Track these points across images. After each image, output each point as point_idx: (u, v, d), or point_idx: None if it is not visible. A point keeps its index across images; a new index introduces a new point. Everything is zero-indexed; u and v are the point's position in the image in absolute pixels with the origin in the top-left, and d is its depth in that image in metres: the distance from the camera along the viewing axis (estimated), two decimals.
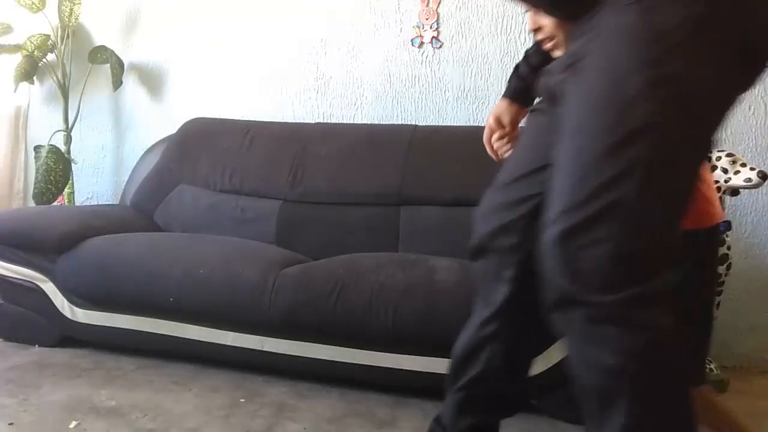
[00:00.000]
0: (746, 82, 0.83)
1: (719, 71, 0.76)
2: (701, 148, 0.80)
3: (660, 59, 0.74)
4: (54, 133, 2.56)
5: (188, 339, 1.77)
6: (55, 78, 2.58)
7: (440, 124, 2.34)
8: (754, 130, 2.13)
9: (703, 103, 0.77)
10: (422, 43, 2.38)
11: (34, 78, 2.62)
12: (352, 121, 2.41)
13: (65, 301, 1.89)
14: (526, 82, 1.18)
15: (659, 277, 0.74)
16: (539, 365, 1.54)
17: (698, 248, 1.09)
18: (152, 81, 2.65)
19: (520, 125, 1.23)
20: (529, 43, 2.38)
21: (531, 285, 0.86)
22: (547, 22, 1.01)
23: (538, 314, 0.85)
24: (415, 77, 2.38)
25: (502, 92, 2.43)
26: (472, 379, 1.04)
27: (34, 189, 2.47)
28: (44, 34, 2.56)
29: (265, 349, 1.71)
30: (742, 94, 0.84)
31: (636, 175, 0.73)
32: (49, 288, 1.91)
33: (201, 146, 2.34)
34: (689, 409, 0.78)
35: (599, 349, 0.76)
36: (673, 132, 0.74)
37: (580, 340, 0.79)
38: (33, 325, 1.95)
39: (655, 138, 0.73)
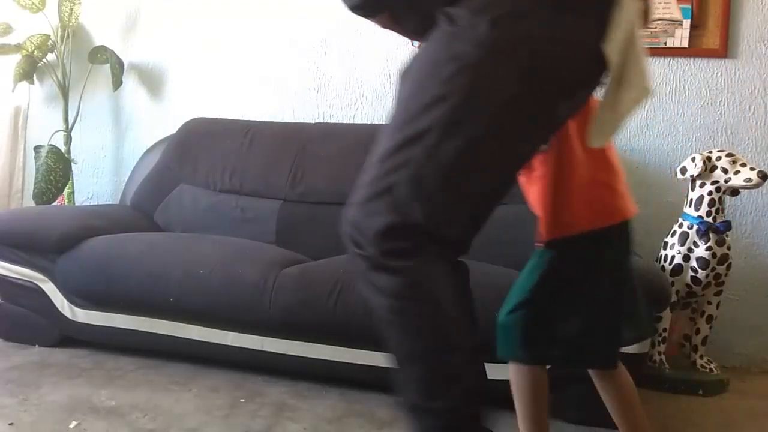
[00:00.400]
0: (569, 102, 0.95)
1: (514, 93, 0.88)
2: (489, 157, 0.91)
3: (451, 77, 0.88)
4: (54, 133, 2.56)
5: (188, 339, 1.77)
6: (55, 78, 2.58)
7: None
8: (754, 130, 2.13)
9: (485, 117, 0.88)
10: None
11: (34, 78, 2.62)
12: (352, 121, 2.41)
13: (65, 301, 1.89)
14: None
15: (423, 244, 0.91)
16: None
17: (613, 243, 1.14)
18: (152, 81, 2.65)
19: None
20: None
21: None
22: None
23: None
24: None
25: None
26: None
27: (34, 189, 2.47)
28: (44, 34, 2.56)
29: (265, 349, 1.71)
30: (570, 110, 0.97)
31: (410, 168, 0.90)
32: (49, 288, 1.91)
33: (201, 146, 2.34)
34: (458, 337, 0.95)
35: (372, 293, 0.93)
36: (450, 139, 0.88)
37: (365, 285, 0.94)
38: (33, 325, 1.95)
39: (435, 140, 0.88)
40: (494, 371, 1.56)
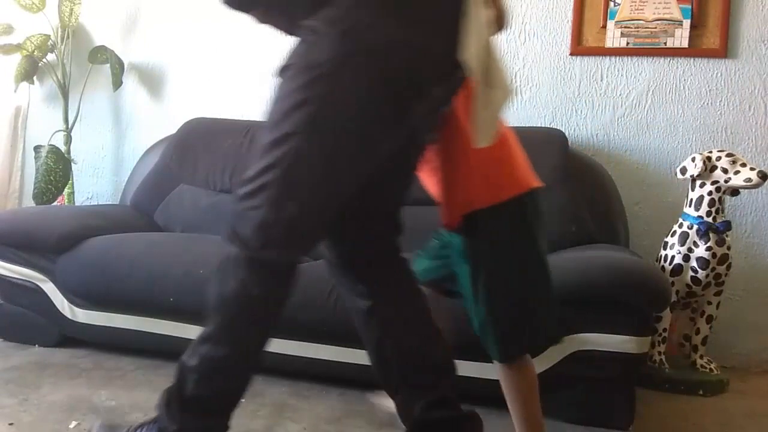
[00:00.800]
0: (425, 103, 1.03)
1: (365, 97, 0.97)
2: (350, 156, 1.01)
3: (309, 84, 0.98)
4: (54, 133, 2.55)
5: (188, 339, 1.74)
6: (55, 78, 2.58)
7: None
8: (753, 130, 2.13)
9: (342, 120, 0.98)
10: None
11: (34, 78, 2.62)
12: None
13: (65, 301, 1.89)
14: None
15: (282, 247, 1.01)
16: (537, 366, 1.54)
17: (514, 213, 1.15)
18: (152, 81, 2.65)
19: None
20: (529, 43, 2.40)
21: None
22: None
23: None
24: None
25: None
26: None
27: (34, 189, 2.47)
28: (44, 34, 2.56)
29: (264, 349, 1.71)
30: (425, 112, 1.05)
31: (279, 168, 0.98)
32: (49, 288, 1.91)
33: (201, 146, 2.34)
34: (258, 349, 1.11)
35: (223, 280, 1.05)
36: (312, 141, 0.98)
37: (225, 271, 1.05)
38: (33, 325, 1.95)
39: (299, 142, 0.97)
40: (483, 370, 1.56)
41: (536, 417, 1.22)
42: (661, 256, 1.90)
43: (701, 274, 1.81)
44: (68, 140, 2.58)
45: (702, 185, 1.83)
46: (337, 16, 0.97)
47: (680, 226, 1.87)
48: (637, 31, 2.17)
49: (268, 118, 1.02)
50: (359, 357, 1.64)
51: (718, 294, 1.89)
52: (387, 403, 1.30)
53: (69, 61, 2.59)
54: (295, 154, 0.98)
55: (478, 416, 1.24)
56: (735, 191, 1.85)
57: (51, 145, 2.50)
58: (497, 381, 1.57)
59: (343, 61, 0.97)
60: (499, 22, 1.13)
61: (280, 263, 1.04)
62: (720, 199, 1.82)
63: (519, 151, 1.19)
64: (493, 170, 1.14)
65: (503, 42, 2.29)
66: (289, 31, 1.08)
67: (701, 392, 1.83)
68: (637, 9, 2.16)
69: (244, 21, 2.73)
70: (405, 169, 1.17)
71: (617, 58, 2.20)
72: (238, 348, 1.09)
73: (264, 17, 1.16)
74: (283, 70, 1.03)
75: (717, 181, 1.81)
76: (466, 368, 1.58)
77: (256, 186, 1.00)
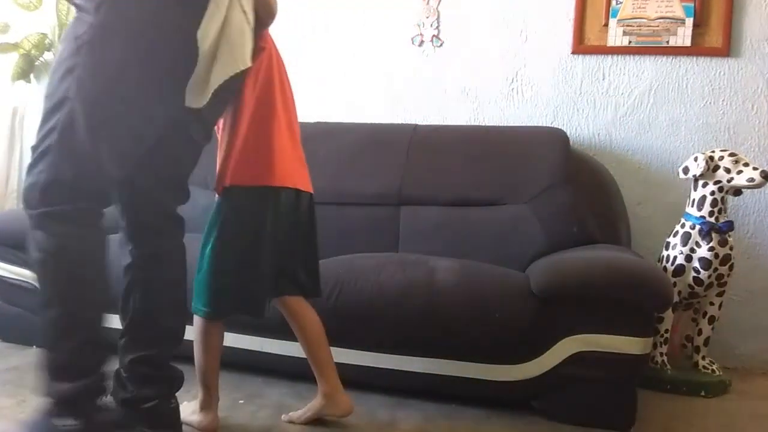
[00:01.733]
0: (177, 75, 1.18)
1: (122, 65, 1.12)
2: (118, 119, 1.14)
3: (73, 54, 1.12)
4: None
5: (187, 340, 1.76)
6: None
7: (441, 123, 2.32)
8: (756, 130, 2.11)
9: (104, 87, 1.12)
10: (422, 41, 2.36)
11: (32, 77, 2.60)
12: (352, 121, 2.40)
13: None
14: None
15: (69, 202, 1.14)
16: (538, 367, 1.54)
17: (264, 200, 1.37)
18: None
19: None
20: (530, 42, 2.39)
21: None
22: None
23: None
24: (415, 76, 2.37)
25: (503, 91, 2.44)
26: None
27: None
28: (41, 33, 2.54)
29: (264, 350, 1.70)
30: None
31: (57, 132, 1.12)
32: None
33: None
34: (92, 295, 1.17)
35: (33, 247, 1.15)
36: (80, 105, 1.11)
37: (30, 240, 1.15)
38: (31, 325, 1.93)
39: (70, 107, 1.11)
40: (484, 371, 1.55)
41: (214, 370, 1.42)
42: (663, 256, 1.89)
43: (703, 274, 1.80)
44: None
45: (704, 185, 1.82)
46: None
47: (682, 226, 1.85)
48: (640, 30, 2.15)
49: (47, 87, 1.15)
50: (359, 358, 1.63)
51: (720, 294, 1.88)
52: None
53: None
54: (69, 117, 1.11)
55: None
56: (738, 191, 1.84)
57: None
58: (498, 382, 1.57)
59: (98, 32, 1.11)
60: (266, 8, 1.32)
61: (73, 217, 1.14)
62: (722, 199, 1.81)
63: (294, 153, 1.44)
64: (254, 158, 1.36)
65: (505, 41, 2.28)
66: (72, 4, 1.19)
67: (703, 393, 1.82)
68: (640, 7, 2.15)
69: None
70: (185, 139, 1.28)
71: (619, 56, 2.19)
72: (70, 303, 1.15)
73: None
74: (61, 41, 1.17)
75: (719, 181, 1.79)
76: (466, 369, 1.58)
77: (38, 153, 1.13)
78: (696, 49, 2.12)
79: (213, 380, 1.42)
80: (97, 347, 1.18)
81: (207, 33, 1.16)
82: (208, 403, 1.41)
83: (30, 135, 2.70)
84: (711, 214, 1.81)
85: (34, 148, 1.15)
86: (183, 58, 1.16)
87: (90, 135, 1.11)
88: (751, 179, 1.74)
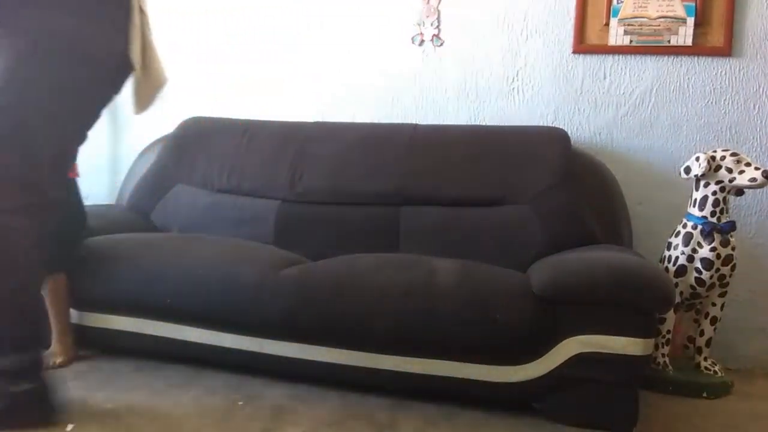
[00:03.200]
0: (112, 88, 1.47)
1: (58, 77, 1.31)
2: (55, 122, 1.34)
3: (13, 68, 1.29)
4: None
5: (186, 341, 1.75)
6: None
7: (441, 122, 2.32)
8: (758, 129, 2.11)
9: (40, 95, 1.30)
10: (423, 41, 2.35)
11: None
12: (352, 121, 2.39)
13: None
14: None
15: (16, 199, 1.29)
16: (539, 368, 1.53)
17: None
18: None
19: None
20: (531, 41, 2.38)
21: None
22: None
23: None
24: (415, 76, 2.36)
25: (504, 91, 2.43)
26: None
27: None
28: None
29: (263, 352, 1.69)
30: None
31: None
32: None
33: (198, 146, 2.32)
34: (28, 288, 1.35)
35: None
36: (21, 110, 1.29)
37: None
38: None
39: (10, 113, 1.28)
40: (485, 372, 1.55)
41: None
42: (664, 256, 1.88)
43: (705, 275, 1.79)
44: None
45: (706, 185, 1.81)
46: (29, 17, 1.29)
47: (684, 226, 1.85)
48: (641, 29, 2.15)
49: None
50: (359, 359, 1.63)
51: (722, 295, 1.87)
52: None
53: None
54: (5, 122, 1.29)
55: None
56: (740, 191, 1.83)
57: None
58: (498, 383, 1.56)
59: (35, 52, 1.29)
60: (146, 24, 1.51)
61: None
62: (724, 199, 1.80)
63: None
64: None
65: (505, 41, 2.27)
66: None
67: (705, 395, 1.81)
68: (641, 6, 2.14)
69: (242, 19, 2.71)
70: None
71: (620, 56, 2.18)
72: (11, 283, 1.31)
73: None
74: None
75: (721, 181, 1.79)
76: (466, 370, 1.57)
77: None
78: (697, 48, 2.11)
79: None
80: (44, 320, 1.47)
81: (135, 50, 1.41)
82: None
83: None
84: (713, 214, 1.80)
85: None
86: (107, 73, 1.41)
87: (35, 137, 1.30)
88: (753, 179, 1.73)
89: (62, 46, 1.30)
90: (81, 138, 1.45)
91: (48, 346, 1.71)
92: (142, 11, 1.47)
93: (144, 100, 1.48)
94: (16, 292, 1.32)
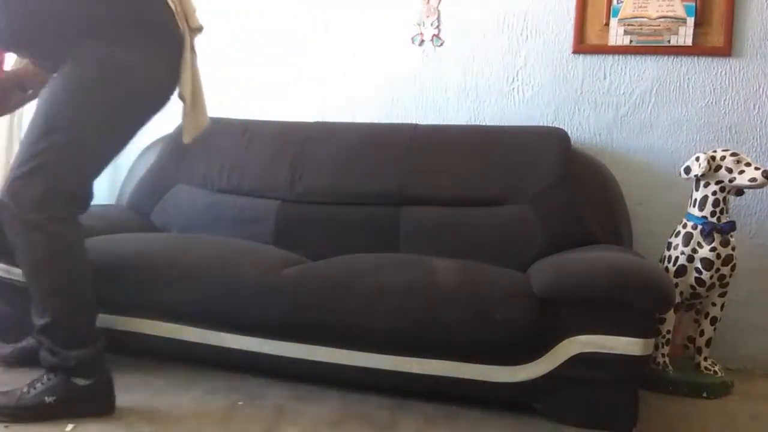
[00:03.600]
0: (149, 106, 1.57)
1: (112, 102, 1.46)
2: (103, 140, 1.48)
3: (74, 90, 1.43)
4: None
5: (186, 341, 1.75)
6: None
7: (441, 122, 2.32)
8: (758, 129, 2.11)
9: (95, 116, 1.44)
10: (423, 41, 2.35)
11: None
12: (351, 121, 2.39)
13: None
14: None
15: (67, 208, 1.43)
16: (539, 368, 1.53)
17: None
18: None
19: None
20: (531, 41, 2.38)
21: None
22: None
23: None
24: (415, 75, 2.36)
25: (504, 91, 2.43)
26: None
27: None
28: None
29: (264, 352, 1.69)
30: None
31: (53, 151, 1.39)
32: None
33: (198, 145, 2.31)
34: (86, 287, 1.47)
35: (30, 247, 1.40)
36: (78, 133, 1.42)
37: (21, 241, 1.40)
38: (28, 326, 1.92)
39: (72, 134, 1.41)
40: (484, 372, 1.54)
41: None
42: (664, 256, 1.88)
43: (705, 275, 1.79)
44: None
45: (706, 185, 1.81)
46: (97, 49, 1.43)
47: (684, 226, 1.85)
48: (641, 29, 2.15)
49: (39, 109, 1.44)
50: (359, 359, 1.63)
51: (722, 295, 1.87)
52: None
53: None
54: (61, 142, 1.40)
55: None
56: (740, 191, 1.83)
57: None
58: (498, 383, 1.56)
59: (99, 79, 1.44)
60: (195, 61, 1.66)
61: (66, 219, 1.44)
62: (724, 199, 1.80)
63: None
64: None
65: (505, 41, 2.27)
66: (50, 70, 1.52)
67: (705, 395, 1.81)
68: (641, 6, 2.14)
69: (242, 19, 2.70)
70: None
71: (620, 56, 2.18)
72: (78, 287, 1.44)
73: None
74: (59, 86, 1.45)
75: (721, 181, 1.79)
76: (466, 370, 1.57)
77: (30, 167, 1.38)
78: (697, 48, 2.11)
79: None
80: (96, 316, 1.49)
81: (186, 87, 1.57)
82: None
83: None
84: (713, 214, 1.80)
85: (22, 163, 1.39)
86: (153, 104, 1.56)
87: (87, 156, 1.45)
88: (753, 179, 1.73)
89: (119, 75, 1.45)
90: (117, 153, 1.57)
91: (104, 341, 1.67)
92: (193, 50, 1.63)
93: (191, 132, 1.63)
94: (77, 292, 1.44)
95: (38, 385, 1.43)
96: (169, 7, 1.54)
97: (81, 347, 1.42)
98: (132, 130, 1.55)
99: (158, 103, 1.57)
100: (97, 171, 1.51)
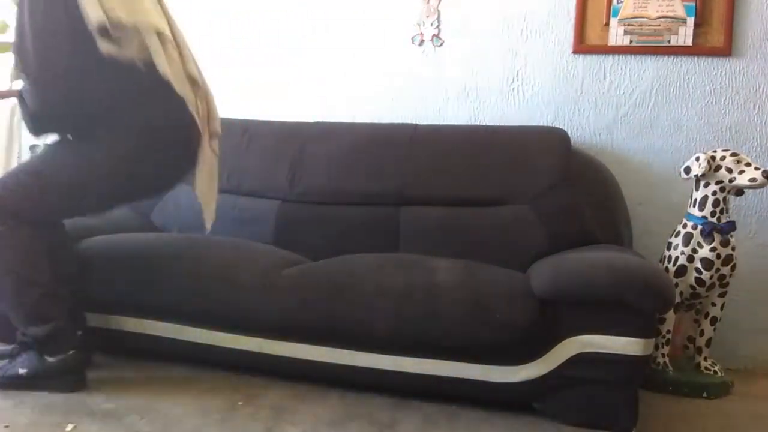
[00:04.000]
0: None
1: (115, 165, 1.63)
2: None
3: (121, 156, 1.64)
4: None
5: (186, 341, 1.75)
6: None
7: (441, 123, 2.32)
8: (758, 129, 2.11)
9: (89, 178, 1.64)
10: (423, 41, 2.35)
11: None
12: (351, 121, 2.39)
13: None
14: None
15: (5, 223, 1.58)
16: (539, 368, 1.53)
17: None
18: None
19: None
20: (531, 41, 2.38)
21: None
22: None
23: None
24: (415, 76, 2.36)
25: (504, 91, 2.42)
26: None
27: None
28: None
29: (264, 351, 1.69)
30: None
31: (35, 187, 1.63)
32: None
33: None
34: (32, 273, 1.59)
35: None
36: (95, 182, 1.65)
37: None
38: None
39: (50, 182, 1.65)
40: (485, 372, 1.54)
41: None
42: (664, 256, 1.88)
43: (705, 275, 1.79)
44: None
45: (706, 185, 1.81)
46: (113, 138, 1.62)
47: (684, 226, 1.85)
48: (641, 29, 2.15)
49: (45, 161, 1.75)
50: (359, 359, 1.63)
51: (722, 295, 1.87)
52: None
53: None
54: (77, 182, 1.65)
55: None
56: (740, 191, 1.83)
57: (47, 144, 2.47)
58: (498, 383, 1.56)
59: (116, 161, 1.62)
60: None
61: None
62: (724, 199, 1.80)
63: None
64: None
65: (505, 40, 2.27)
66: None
67: (705, 395, 1.81)
68: (641, 6, 2.14)
69: (242, 19, 2.70)
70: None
71: (620, 56, 2.18)
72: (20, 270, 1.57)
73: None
74: (60, 154, 1.74)
75: (721, 181, 1.79)
76: (466, 370, 1.57)
77: (11, 186, 1.61)
78: (697, 48, 2.11)
79: None
80: (55, 299, 1.60)
81: (201, 179, 1.72)
82: None
83: (28, 134, 2.69)
84: (713, 214, 1.80)
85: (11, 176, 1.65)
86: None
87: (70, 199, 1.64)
88: (753, 179, 1.73)
89: (130, 171, 1.63)
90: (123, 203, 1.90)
91: (83, 326, 1.74)
92: (213, 151, 1.77)
93: (209, 220, 1.79)
94: (20, 273, 1.58)
95: (18, 358, 1.63)
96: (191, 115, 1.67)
97: (36, 325, 1.58)
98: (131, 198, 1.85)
99: (164, 186, 1.83)
100: (84, 214, 1.80)
